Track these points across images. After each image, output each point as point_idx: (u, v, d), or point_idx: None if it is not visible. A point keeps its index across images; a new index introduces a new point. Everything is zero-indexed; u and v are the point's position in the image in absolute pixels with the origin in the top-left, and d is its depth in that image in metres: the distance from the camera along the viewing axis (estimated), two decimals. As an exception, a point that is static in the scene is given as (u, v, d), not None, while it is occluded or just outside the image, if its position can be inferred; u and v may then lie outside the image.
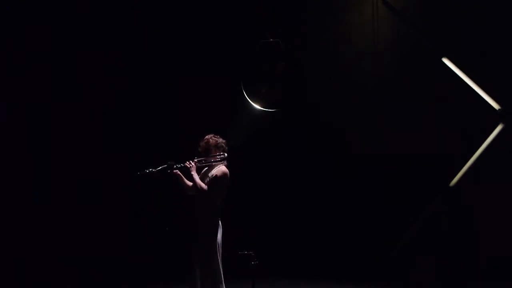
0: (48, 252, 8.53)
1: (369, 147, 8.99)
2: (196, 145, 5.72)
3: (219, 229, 5.59)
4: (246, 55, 8.99)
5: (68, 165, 8.89)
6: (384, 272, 8.57)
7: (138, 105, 9.20)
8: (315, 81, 9.41)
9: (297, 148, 9.42)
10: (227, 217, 5.74)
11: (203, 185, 5.55)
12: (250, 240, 6.71)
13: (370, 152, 8.99)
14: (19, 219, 8.51)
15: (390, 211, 8.80)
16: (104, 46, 9.07)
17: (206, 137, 5.73)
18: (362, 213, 9.03)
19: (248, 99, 8.74)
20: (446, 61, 8.75)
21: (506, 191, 8.24)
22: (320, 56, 9.37)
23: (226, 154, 5.66)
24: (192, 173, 5.56)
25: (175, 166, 5.61)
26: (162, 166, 5.59)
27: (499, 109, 8.47)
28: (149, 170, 5.56)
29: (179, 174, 5.67)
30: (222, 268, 5.52)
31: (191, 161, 5.61)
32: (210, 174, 5.64)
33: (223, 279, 5.50)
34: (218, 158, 5.65)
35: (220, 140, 5.73)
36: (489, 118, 8.50)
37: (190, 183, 5.68)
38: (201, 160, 5.67)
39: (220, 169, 5.63)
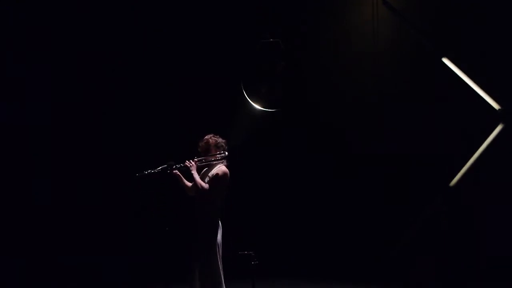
0: (48, 252, 8.54)
1: (369, 147, 8.99)
2: (196, 145, 5.72)
3: (219, 229, 5.59)
4: (246, 55, 9.00)
5: (68, 165, 8.90)
6: (384, 272, 8.57)
7: (138, 105, 9.21)
8: (315, 81, 9.41)
9: (297, 148, 9.42)
10: (227, 217, 5.74)
11: (203, 184, 5.55)
12: (250, 240, 6.72)
13: (370, 152, 8.99)
14: (19, 219, 8.52)
15: (390, 211, 8.80)
16: (104, 46, 9.08)
17: (206, 137, 5.73)
18: (362, 213, 9.03)
19: (248, 99, 8.74)
20: (446, 61, 8.75)
21: (506, 191, 8.24)
22: (320, 56, 9.37)
23: (226, 153, 5.67)
24: (192, 172, 5.56)
25: (175, 166, 5.62)
26: (162, 166, 5.60)
27: (499, 109, 8.47)
28: (147, 172, 5.57)
29: (178, 174, 5.67)
30: (222, 268, 5.52)
31: (191, 161, 5.62)
32: (210, 174, 5.64)
33: (223, 279, 5.50)
34: (218, 158, 5.66)
35: (220, 139, 5.74)
36: (489, 118, 8.50)
37: (190, 184, 5.68)
38: (201, 160, 5.67)
39: (220, 168, 5.63)
